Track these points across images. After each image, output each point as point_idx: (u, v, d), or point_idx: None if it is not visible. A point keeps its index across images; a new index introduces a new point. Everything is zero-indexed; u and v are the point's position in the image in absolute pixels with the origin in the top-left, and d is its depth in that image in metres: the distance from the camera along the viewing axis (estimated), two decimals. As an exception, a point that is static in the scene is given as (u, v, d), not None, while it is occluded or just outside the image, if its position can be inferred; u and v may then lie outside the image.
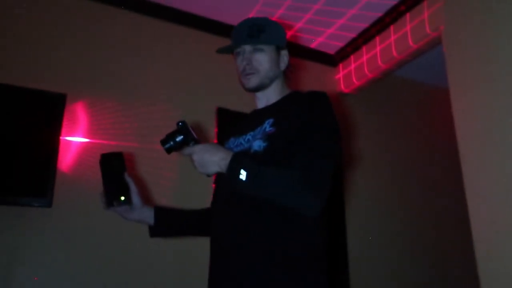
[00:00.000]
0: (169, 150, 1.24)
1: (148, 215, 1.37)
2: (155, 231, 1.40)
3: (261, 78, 1.35)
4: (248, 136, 1.29)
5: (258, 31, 1.35)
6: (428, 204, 3.68)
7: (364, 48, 3.34)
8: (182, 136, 1.22)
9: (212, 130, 2.93)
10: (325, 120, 1.22)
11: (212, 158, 1.17)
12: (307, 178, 1.10)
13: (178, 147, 1.23)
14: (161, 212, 1.40)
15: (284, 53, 1.41)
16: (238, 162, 1.14)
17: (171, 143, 1.22)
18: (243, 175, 1.11)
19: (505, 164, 2.13)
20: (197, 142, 1.22)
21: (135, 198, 1.33)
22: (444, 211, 3.69)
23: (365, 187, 3.49)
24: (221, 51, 1.41)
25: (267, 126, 1.25)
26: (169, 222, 1.43)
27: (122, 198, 1.31)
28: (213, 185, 1.40)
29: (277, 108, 1.33)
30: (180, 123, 1.24)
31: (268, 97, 1.39)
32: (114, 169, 1.32)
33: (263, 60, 1.34)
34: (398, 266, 3.41)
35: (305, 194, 1.10)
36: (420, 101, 3.98)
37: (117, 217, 1.37)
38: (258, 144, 1.22)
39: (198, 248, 2.07)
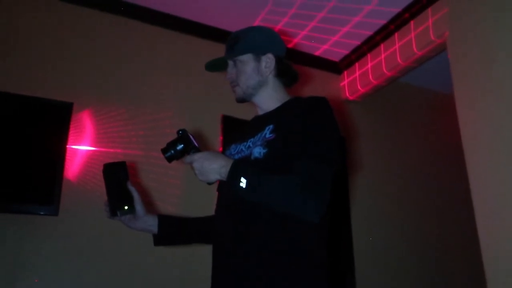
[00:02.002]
0: (170, 159, 1.25)
1: (151, 223, 1.38)
2: (159, 239, 1.41)
3: (243, 89, 1.37)
4: (249, 143, 1.29)
5: (234, 43, 1.38)
6: (433, 209, 3.65)
7: (368, 56, 3.34)
8: (182, 145, 1.23)
9: (217, 138, 2.95)
10: (325, 125, 1.22)
11: (212, 166, 1.17)
12: (306, 184, 1.10)
13: (179, 155, 1.24)
14: (165, 221, 1.40)
15: (266, 58, 1.37)
16: (238, 169, 1.14)
17: (172, 151, 1.23)
18: (243, 182, 1.12)
19: (511, 169, 2.11)
20: (197, 150, 1.22)
21: (139, 207, 1.34)
22: (450, 216, 3.67)
23: (370, 193, 3.48)
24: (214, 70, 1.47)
25: (267, 132, 1.25)
26: (173, 231, 1.43)
27: (126, 207, 1.32)
28: (217, 192, 1.41)
29: (277, 114, 1.32)
30: (180, 132, 1.24)
31: (265, 104, 1.39)
32: (117, 178, 1.34)
33: (239, 71, 1.37)
34: (404, 270, 3.39)
35: (305, 200, 1.09)
36: (425, 107, 3.97)
37: (123, 225, 1.38)
38: (258, 151, 1.21)
39: (202, 256, 2.07)
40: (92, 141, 2.61)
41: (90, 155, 2.58)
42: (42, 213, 2.34)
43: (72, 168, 2.51)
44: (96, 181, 2.51)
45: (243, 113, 2.77)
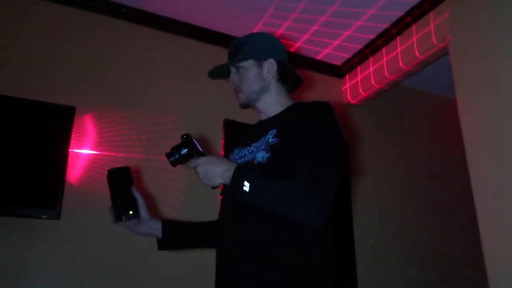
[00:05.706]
0: (174, 163, 1.25)
1: (156, 228, 1.38)
2: (163, 244, 1.41)
3: (246, 95, 1.38)
4: (252, 147, 1.30)
5: (236, 50, 1.39)
6: (435, 213, 3.64)
7: (370, 59, 3.34)
8: (186, 149, 1.23)
9: (220, 142, 2.94)
10: (328, 129, 1.22)
11: (216, 170, 1.17)
12: (310, 189, 1.10)
13: (183, 159, 1.24)
14: (169, 225, 1.41)
15: (268, 64, 1.38)
16: (241, 173, 1.15)
17: (176, 156, 1.24)
18: (246, 186, 1.12)
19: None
20: (201, 154, 1.23)
21: (143, 212, 1.35)
22: (452, 219, 3.65)
23: (372, 197, 3.47)
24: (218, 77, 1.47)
25: (270, 137, 1.25)
26: (177, 235, 1.43)
27: (130, 212, 1.32)
28: (220, 197, 1.41)
29: (280, 118, 1.33)
30: (185, 136, 1.25)
31: (267, 108, 1.40)
32: (121, 184, 1.34)
33: (242, 77, 1.38)
34: (406, 273, 3.37)
35: (309, 204, 1.09)
36: (427, 111, 3.96)
37: (126, 229, 1.38)
38: (261, 155, 1.22)
39: (206, 260, 2.06)
40: (94, 145, 2.61)
41: (92, 159, 2.58)
42: (44, 216, 2.33)
43: (74, 172, 2.51)
44: (98, 185, 2.51)
45: (246, 117, 2.77)
